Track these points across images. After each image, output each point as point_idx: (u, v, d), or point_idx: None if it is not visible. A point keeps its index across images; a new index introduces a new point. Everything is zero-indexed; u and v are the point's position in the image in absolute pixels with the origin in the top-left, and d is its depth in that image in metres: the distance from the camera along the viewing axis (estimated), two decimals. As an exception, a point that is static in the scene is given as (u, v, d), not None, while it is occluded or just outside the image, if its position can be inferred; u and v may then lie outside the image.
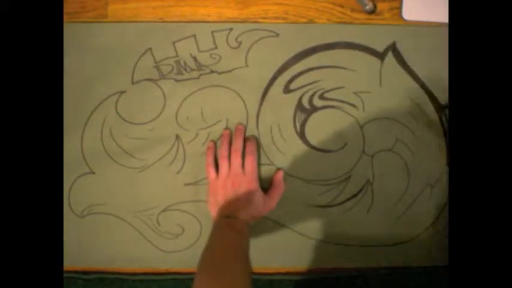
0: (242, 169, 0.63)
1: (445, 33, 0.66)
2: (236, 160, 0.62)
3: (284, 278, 0.66)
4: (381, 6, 0.68)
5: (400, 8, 0.68)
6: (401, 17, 0.68)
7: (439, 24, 0.67)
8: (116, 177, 0.66)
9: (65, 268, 0.65)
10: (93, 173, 0.67)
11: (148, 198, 0.66)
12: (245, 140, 0.65)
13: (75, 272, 0.66)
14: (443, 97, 0.67)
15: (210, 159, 0.64)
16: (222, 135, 0.65)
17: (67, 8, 0.66)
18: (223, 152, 0.64)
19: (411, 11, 0.67)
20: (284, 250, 0.67)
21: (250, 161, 0.63)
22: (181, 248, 0.67)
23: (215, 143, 0.66)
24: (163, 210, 0.66)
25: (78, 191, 0.66)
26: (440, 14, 0.67)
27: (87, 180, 0.66)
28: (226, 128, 0.66)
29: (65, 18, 0.66)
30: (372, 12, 0.67)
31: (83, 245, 0.67)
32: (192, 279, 0.65)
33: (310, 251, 0.67)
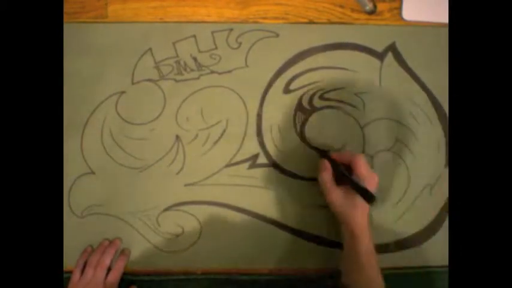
0: (104, 281, 0.64)
1: (445, 33, 0.66)
2: (100, 271, 0.64)
3: (283, 278, 0.66)
4: (381, 6, 0.68)
5: (400, 8, 0.68)
6: (401, 17, 0.68)
7: (439, 24, 0.67)
8: (116, 178, 0.66)
9: (65, 268, 0.65)
10: (93, 173, 0.66)
11: (148, 199, 0.66)
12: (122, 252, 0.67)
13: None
14: (443, 97, 0.67)
15: (81, 262, 0.65)
16: (100, 244, 0.66)
17: (67, 8, 0.66)
18: (92, 260, 0.65)
19: (411, 11, 0.68)
20: (283, 250, 0.66)
21: (114, 276, 0.64)
22: (181, 248, 0.66)
23: (92, 248, 0.67)
24: (163, 211, 0.66)
25: (78, 191, 0.66)
26: (440, 14, 0.67)
27: (87, 181, 0.66)
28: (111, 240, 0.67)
29: (65, 18, 0.66)
30: (372, 12, 0.68)
31: (83, 245, 0.66)
32: (191, 279, 0.66)
33: (310, 252, 0.66)
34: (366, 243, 0.58)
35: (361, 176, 0.58)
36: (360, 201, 0.57)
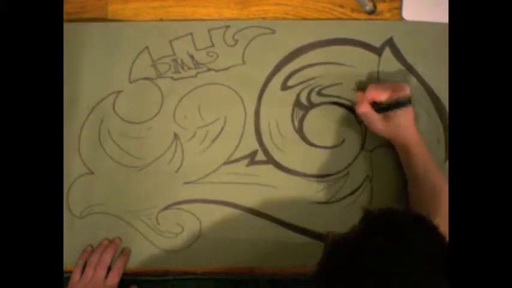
0: (104, 280, 0.64)
1: (442, 27, 0.66)
2: (100, 271, 0.64)
3: (284, 277, 0.65)
4: (381, 6, 0.68)
5: (400, 8, 0.68)
6: (401, 17, 0.68)
7: (439, 24, 0.67)
8: (114, 177, 0.66)
9: (65, 268, 0.65)
10: (91, 173, 0.67)
11: (147, 198, 0.66)
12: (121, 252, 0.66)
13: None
14: (442, 92, 0.67)
15: (81, 262, 0.65)
16: (100, 244, 0.66)
17: (67, 8, 0.67)
18: (92, 260, 0.65)
19: (411, 11, 0.68)
20: (283, 248, 0.66)
21: (114, 276, 0.64)
22: (181, 247, 0.66)
23: (92, 248, 0.67)
24: (163, 209, 0.66)
25: (77, 191, 0.66)
26: (440, 14, 0.67)
27: (86, 181, 0.66)
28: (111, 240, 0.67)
29: (65, 18, 0.66)
30: (372, 12, 0.68)
31: (83, 245, 0.66)
32: (191, 279, 0.65)
33: (309, 249, 0.65)
34: (421, 154, 0.61)
35: (389, 97, 0.60)
36: (401, 115, 0.60)
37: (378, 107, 0.62)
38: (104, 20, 0.68)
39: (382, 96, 0.61)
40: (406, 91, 0.61)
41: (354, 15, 0.68)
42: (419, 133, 0.62)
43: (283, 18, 0.68)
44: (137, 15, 0.68)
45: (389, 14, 0.68)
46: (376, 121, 0.62)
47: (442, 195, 0.59)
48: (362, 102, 0.62)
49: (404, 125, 0.61)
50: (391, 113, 0.61)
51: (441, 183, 0.60)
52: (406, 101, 0.59)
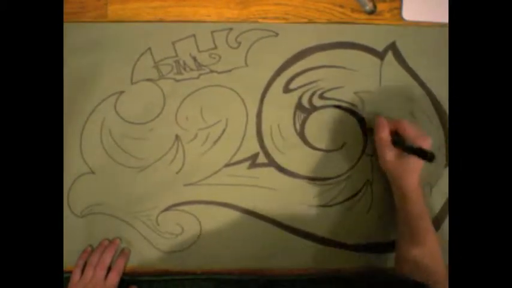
0: (104, 281, 0.64)
1: (445, 33, 0.66)
2: (100, 271, 0.64)
3: (283, 278, 0.66)
4: (381, 6, 0.68)
5: (400, 8, 0.68)
6: (401, 17, 0.68)
7: (439, 24, 0.67)
8: (115, 177, 0.66)
9: (65, 268, 0.65)
10: (92, 173, 0.66)
11: (147, 198, 0.66)
12: (121, 253, 0.67)
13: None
14: (443, 96, 0.67)
15: (80, 262, 0.65)
16: (100, 244, 0.66)
17: (67, 8, 0.66)
18: (92, 260, 0.65)
19: (411, 11, 0.68)
20: (283, 250, 0.66)
21: (114, 276, 0.64)
22: (181, 248, 0.66)
23: (92, 248, 0.67)
24: (163, 210, 0.66)
25: (78, 191, 0.66)
26: (440, 14, 0.67)
27: (86, 180, 0.66)
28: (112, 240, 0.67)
29: (65, 18, 0.66)
30: (372, 12, 0.67)
31: (83, 245, 0.67)
32: (191, 279, 0.66)
33: (310, 251, 0.67)
34: (417, 203, 0.60)
35: (412, 138, 0.59)
36: (413, 162, 0.59)
37: (399, 142, 0.61)
38: (103, 19, 0.67)
39: (408, 133, 0.59)
40: (428, 144, 0.59)
41: (354, 15, 0.68)
42: (421, 183, 0.61)
43: (284, 19, 0.67)
44: (137, 15, 0.67)
45: (389, 14, 0.68)
46: (388, 152, 0.60)
47: (433, 248, 0.59)
48: (385, 127, 0.61)
49: (411, 171, 0.60)
50: (405, 154, 0.60)
51: (432, 234, 0.60)
52: (430, 157, 0.56)
